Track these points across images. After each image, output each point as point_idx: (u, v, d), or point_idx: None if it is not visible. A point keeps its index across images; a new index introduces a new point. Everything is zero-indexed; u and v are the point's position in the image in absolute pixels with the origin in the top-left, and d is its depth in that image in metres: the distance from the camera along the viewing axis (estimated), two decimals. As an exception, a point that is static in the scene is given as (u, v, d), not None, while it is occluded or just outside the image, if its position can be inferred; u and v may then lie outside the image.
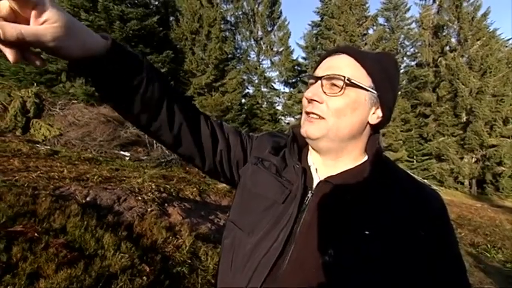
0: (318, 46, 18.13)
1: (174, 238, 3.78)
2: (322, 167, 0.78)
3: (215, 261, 3.74)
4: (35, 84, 11.08)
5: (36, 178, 5.22)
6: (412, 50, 23.04)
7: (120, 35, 11.98)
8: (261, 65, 17.04)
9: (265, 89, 16.29)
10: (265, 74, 16.68)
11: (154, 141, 10.08)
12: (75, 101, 10.75)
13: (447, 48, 21.29)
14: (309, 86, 0.77)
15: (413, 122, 20.00)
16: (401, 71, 22.33)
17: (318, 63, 0.79)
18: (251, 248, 0.72)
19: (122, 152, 8.47)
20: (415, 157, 19.83)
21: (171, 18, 15.01)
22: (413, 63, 23.07)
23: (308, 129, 0.73)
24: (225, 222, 5.33)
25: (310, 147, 0.82)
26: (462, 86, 18.96)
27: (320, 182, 0.73)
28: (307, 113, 0.74)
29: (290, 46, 17.69)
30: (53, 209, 3.39)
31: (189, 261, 3.62)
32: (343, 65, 0.71)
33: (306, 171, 0.76)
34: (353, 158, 0.76)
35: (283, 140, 0.88)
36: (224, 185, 7.92)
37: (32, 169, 5.87)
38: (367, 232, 0.63)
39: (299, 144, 0.83)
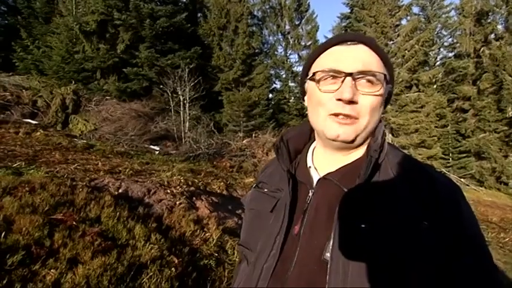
0: (348, 39, 17.54)
1: (201, 231, 3.83)
2: (329, 163, 0.75)
3: (241, 255, 3.75)
4: (73, 82, 11.72)
5: (74, 170, 5.53)
6: (450, 40, 21.64)
7: (151, 33, 12.33)
8: (288, 60, 16.82)
9: (292, 84, 16.06)
10: (293, 69, 16.43)
11: (183, 135, 10.39)
12: (109, 97, 11.25)
13: (492, 36, 19.68)
14: (323, 80, 0.69)
15: (450, 117, 18.83)
16: (438, 63, 21.05)
17: (327, 51, 0.71)
18: (253, 261, 0.74)
19: (151, 146, 8.76)
20: (450, 154, 18.69)
21: (199, 15, 15.21)
22: (450, 54, 21.68)
23: (344, 131, 0.67)
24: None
25: (312, 148, 0.81)
26: (509, 78, 17.48)
27: (319, 179, 0.72)
28: (337, 114, 0.67)
29: (318, 40, 17.29)
30: (89, 199, 3.56)
31: (216, 254, 3.66)
32: (371, 59, 0.68)
33: (293, 176, 0.76)
34: (364, 149, 0.73)
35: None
36: (251, 179, 7.98)
37: (70, 161, 6.24)
38: (363, 225, 0.61)
39: (294, 148, 0.83)
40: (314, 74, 0.71)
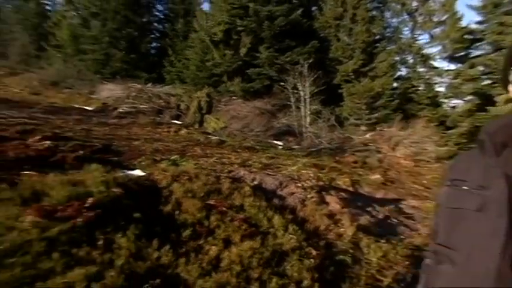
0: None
1: (335, 226, 3.78)
2: None
3: (378, 255, 3.51)
4: (206, 86, 13.52)
5: (213, 163, 6.34)
6: None
7: (269, 34, 12.99)
8: (416, 42, 14.67)
9: (422, 69, 13.90)
10: (423, 52, 14.20)
11: (304, 130, 10.55)
12: (235, 97, 12.49)
13: None
14: None
15: None
16: None
17: None
18: (463, 263, 0.71)
19: (275, 141, 9.23)
20: None
21: (313, 8, 15.04)
22: None
23: None
24: (383, 217, 4.85)
25: None
26: None
27: None
28: None
29: (458, 12, 14.36)
30: (232, 189, 4.00)
31: (351, 251, 3.54)
32: None
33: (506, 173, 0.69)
34: None
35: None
36: (378, 176, 7.40)
37: (209, 155, 7.19)
38: None
39: (500, 141, 0.75)
40: None
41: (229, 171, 5.35)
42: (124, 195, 3.32)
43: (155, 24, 20.12)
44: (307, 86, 10.24)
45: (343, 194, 5.02)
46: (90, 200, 3.05)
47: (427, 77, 13.57)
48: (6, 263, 2.07)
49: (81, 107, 12.45)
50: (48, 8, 23.12)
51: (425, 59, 13.70)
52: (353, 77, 11.95)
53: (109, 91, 14.03)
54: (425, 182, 7.07)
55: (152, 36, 19.69)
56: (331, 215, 3.93)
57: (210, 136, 10.09)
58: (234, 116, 10.63)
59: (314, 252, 3.14)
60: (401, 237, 4.02)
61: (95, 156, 5.30)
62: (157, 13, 20.01)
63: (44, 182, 3.35)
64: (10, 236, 2.31)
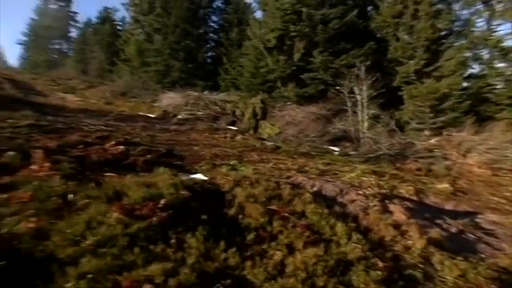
0: None
1: (402, 238, 3.55)
2: None
3: (455, 274, 3.20)
4: (260, 92, 13.77)
5: (271, 168, 6.40)
6: None
7: (323, 37, 12.80)
8: (494, 34, 12.95)
9: (501, 64, 12.18)
10: (503, 44, 12.43)
11: (361, 136, 10.12)
12: (289, 103, 12.51)
13: None
14: None
15: None
16: None
17: None
18: None
19: (331, 147, 9.01)
20: None
21: (369, 8, 14.44)
22: None
23: None
24: (457, 231, 4.41)
25: None
26: None
27: None
28: None
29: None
30: (292, 195, 4.00)
31: (422, 266, 3.29)
32: None
33: None
34: None
35: None
36: (446, 185, 6.77)
37: (265, 161, 7.26)
38: None
39: None
40: None
41: (288, 177, 5.36)
42: (191, 197, 3.54)
43: (211, 34, 21.22)
44: (364, 90, 9.83)
45: (407, 203, 4.70)
46: (162, 201, 3.30)
47: (508, 73, 11.90)
48: (100, 252, 2.36)
49: (145, 114, 13.60)
50: (119, 27, 26.11)
51: (506, 52, 12.02)
52: (415, 78, 11.12)
53: (169, 99, 15.11)
54: (508, 194, 6.25)
55: (208, 46, 20.80)
56: (396, 226, 3.70)
57: (265, 142, 10.20)
58: (289, 121, 10.65)
59: (381, 264, 2.98)
60: (482, 256, 3.61)
61: (160, 160, 5.73)
62: (212, 24, 21.11)
63: (123, 182, 3.72)
64: (101, 229, 2.63)
